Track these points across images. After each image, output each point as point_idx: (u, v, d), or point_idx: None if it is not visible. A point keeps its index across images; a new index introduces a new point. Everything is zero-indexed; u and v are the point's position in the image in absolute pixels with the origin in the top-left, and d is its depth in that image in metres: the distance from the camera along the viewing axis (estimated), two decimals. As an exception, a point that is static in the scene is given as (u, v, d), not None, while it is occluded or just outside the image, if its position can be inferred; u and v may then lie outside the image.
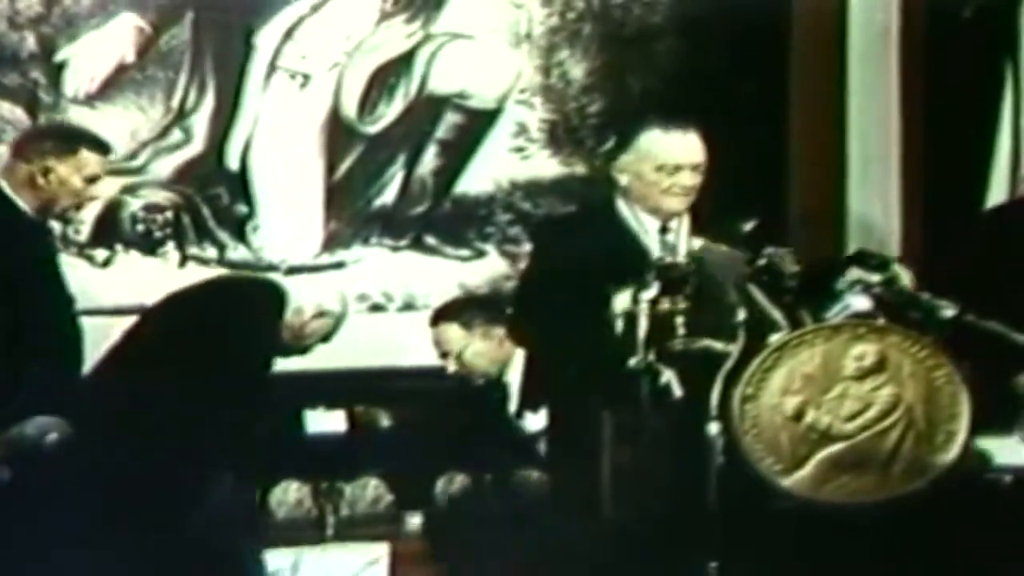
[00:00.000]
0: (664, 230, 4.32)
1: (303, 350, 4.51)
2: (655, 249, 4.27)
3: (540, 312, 4.28)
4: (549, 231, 4.68)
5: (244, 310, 4.53)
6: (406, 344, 5.10)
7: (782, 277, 4.19)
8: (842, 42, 5.67)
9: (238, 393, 4.19)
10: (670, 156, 4.28)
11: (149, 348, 4.41)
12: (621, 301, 4.01)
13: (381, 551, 3.79)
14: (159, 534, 3.73)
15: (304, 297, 4.56)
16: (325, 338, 4.59)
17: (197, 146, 5.41)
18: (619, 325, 4.04)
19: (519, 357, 4.66)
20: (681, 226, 4.34)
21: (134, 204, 5.35)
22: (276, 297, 4.51)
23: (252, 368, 4.31)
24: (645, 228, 4.33)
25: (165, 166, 5.39)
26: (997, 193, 5.65)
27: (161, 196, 5.38)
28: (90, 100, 5.32)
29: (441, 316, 4.93)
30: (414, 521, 3.93)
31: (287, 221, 5.35)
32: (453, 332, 4.85)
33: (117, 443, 4.08)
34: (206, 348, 4.27)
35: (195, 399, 4.11)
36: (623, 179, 4.34)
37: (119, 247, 5.32)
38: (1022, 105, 5.70)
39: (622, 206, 4.36)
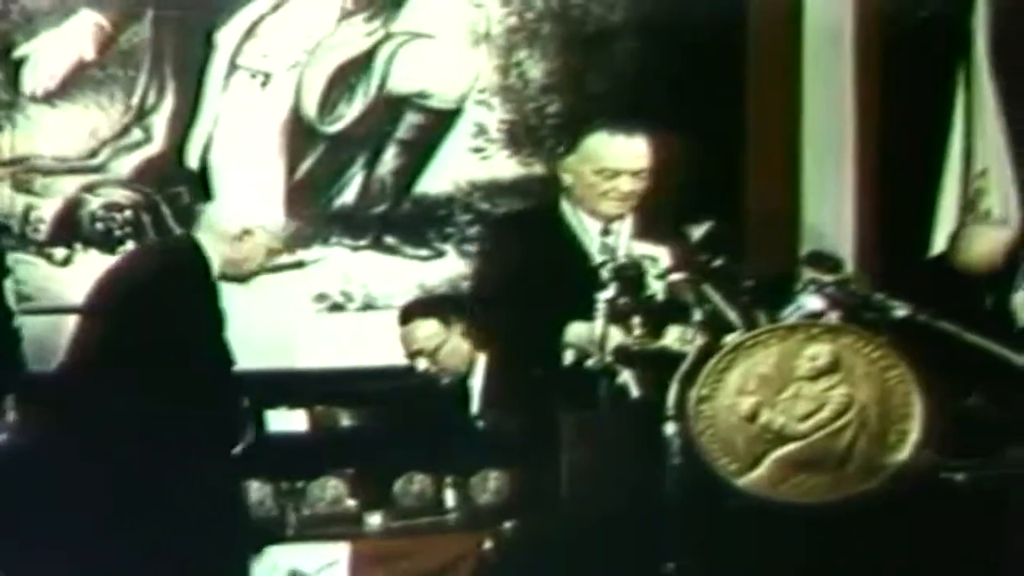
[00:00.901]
0: (605, 232, 4.32)
1: (252, 274, 4.45)
2: (595, 251, 4.28)
3: (493, 313, 4.28)
4: (495, 231, 4.67)
5: (169, 269, 4.48)
6: (366, 344, 5.10)
7: (738, 278, 4.22)
8: (797, 45, 5.69)
9: (193, 357, 4.16)
10: (611, 160, 4.27)
11: (97, 337, 4.39)
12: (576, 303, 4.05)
13: (341, 551, 3.79)
14: (126, 533, 3.71)
15: (230, 220, 4.48)
16: (275, 267, 4.59)
17: (157, 145, 5.40)
18: (576, 327, 4.09)
19: (483, 358, 4.66)
20: (622, 229, 4.34)
21: (94, 203, 5.32)
22: (195, 251, 4.46)
23: (199, 325, 4.26)
24: (586, 229, 4.33)
25: (125, 165, 5.37)
26: (950, 196, 5.68)
27: (121, 195, 5.35)
28: (49, 98, 5.29)
29: (414, 312, 4.83)
30: (374, 521, 3.93)
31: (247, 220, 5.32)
32: (430, 328, 4.73)
33: (77, 441, 4.06)
34: (147, 317, 4.24)
35: (152, 382, 4.09)
36: (567, 179, 4.34)
37: (78, 246, 5.30)
38: (974, 108, 5.73)
39: (566, 207, 4.35)
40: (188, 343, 4.25)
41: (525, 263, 4.22)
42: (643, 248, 4.23)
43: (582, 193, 4.30)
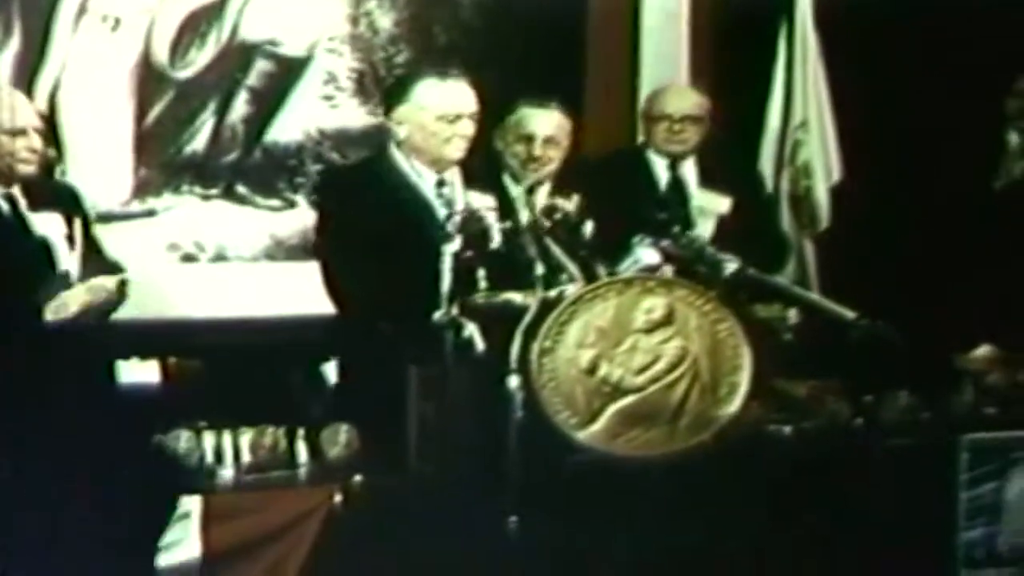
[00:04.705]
0: (440, 183, 4.23)
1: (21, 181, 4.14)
2: (434, 201, 4.18)
3: (339, 266, 4.15)
4: (328, 184, 4.52)
5: None
6: (219, 295, 4.93)
7: (578, 230, 4.16)
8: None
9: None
10: (451, 105, 4.17)
11: None
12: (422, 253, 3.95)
13: (193, 504, 3.67)
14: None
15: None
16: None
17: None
18: (419, 277, 3.99)
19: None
20: (455, 180, 4.26)
21: (-63, 146, 5.02)
22: None
23: None
24: (422, 178, 4.23)
25: (-29, 107, 5.09)
26: (768, 148, 5.69)
27: (-36, 138, 5.06)
28: None
29: None
30: (226, 474, 3.82)
31: (96, 167, 5.08)
32: None
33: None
34: None
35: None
36: (402, 130, 4.21)
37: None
38: (795, 61, 5.72)
39: (398, 156, 4.24)
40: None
41: (364, 216, 4.10)
42: (476, 198, 4.16)
43: (424, 142, 4.18)
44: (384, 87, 5.24)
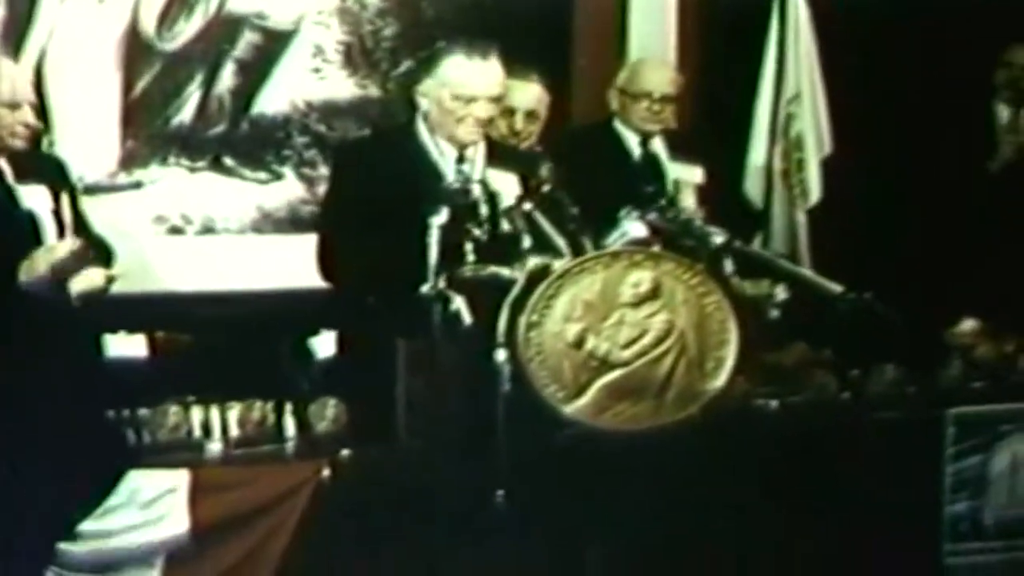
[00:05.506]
0: (461, 159, 4.22)
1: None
2: (451, 176, 4.18)
3: (343, 237, 4.17)
4: (348, 154, 4.54)
5: None
6: (206, 268, 4.94)
7: (565, 204, 4.17)
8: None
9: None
10: (468, 86, 4.15)
11: None
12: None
13: (181, 478, 3.69)
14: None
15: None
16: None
17: (-11, 56, 5.10)
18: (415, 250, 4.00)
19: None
20: (477, 156, 4.25)
21: (-78, 116, 5.01)
22: None
23: None
24: (443, 154, 4.23)
25: (-44, 76, 5.07)
26: (761, 120, 5.70)
27: (-49, 106, 5.05)
28: None
29: None
30: (214, 448, 3.84)
31: (83, 138, 5.08)
32: None
33: None
34: None
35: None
36: (424, 103, 4.22)
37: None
38: (787, 33, 5.73)
39: (422, 130, 4.25)
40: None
41: (380, 188, 4.10)
42: (496, 175, 4.17)
43: (440, 119, 4.17)
44: (373, 59, 5.25)
